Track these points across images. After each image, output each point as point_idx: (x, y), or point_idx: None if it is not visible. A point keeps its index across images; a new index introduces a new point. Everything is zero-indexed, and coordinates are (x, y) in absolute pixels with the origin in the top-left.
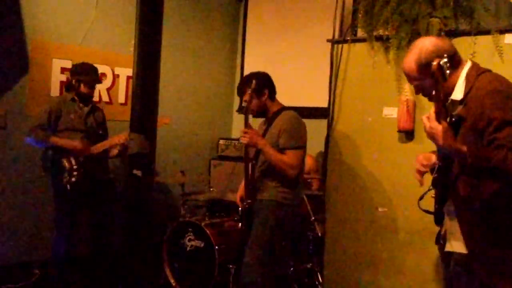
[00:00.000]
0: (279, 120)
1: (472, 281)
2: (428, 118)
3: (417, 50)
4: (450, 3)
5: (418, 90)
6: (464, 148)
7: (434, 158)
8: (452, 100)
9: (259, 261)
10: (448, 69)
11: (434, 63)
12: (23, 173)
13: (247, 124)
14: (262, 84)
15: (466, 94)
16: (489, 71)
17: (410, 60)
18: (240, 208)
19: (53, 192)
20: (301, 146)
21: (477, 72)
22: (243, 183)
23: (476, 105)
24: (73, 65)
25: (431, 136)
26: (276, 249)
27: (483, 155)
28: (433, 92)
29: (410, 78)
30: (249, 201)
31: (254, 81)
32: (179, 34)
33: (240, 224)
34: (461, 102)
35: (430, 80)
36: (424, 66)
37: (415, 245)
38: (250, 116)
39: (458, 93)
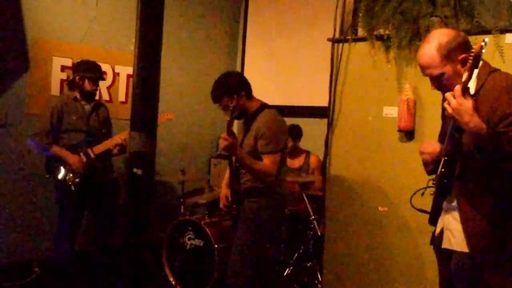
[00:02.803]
0: (258, 121)
1: (473, 279)
2: (454, 95)
3: (435, 39)
4: (450, 2)
5: (436, 81)
6: (488, 128)
7: (438, 146)
8: None
9: (241, 265)
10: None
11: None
12: (23, 171)
13: (229, 132)
14: (237, 86)
15: (477, 90)
16: (499, 70)
17: (430, 48)
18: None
19: (56, 191)
20: (279, 150)
21: (488, 70)
22: (226, 181)
23: (490, 101)
24: (75, 63)
25: (457, 113)
26: (258, 253)
27: (507, 136)
28: (450, 83)
29: (431, 68)
30: (231, 202)
31: (227, 89)
32: (179, 32)
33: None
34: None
35: (451, 67)
36: (446, 52)
37: (415, 245)
38: (235, 122)
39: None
